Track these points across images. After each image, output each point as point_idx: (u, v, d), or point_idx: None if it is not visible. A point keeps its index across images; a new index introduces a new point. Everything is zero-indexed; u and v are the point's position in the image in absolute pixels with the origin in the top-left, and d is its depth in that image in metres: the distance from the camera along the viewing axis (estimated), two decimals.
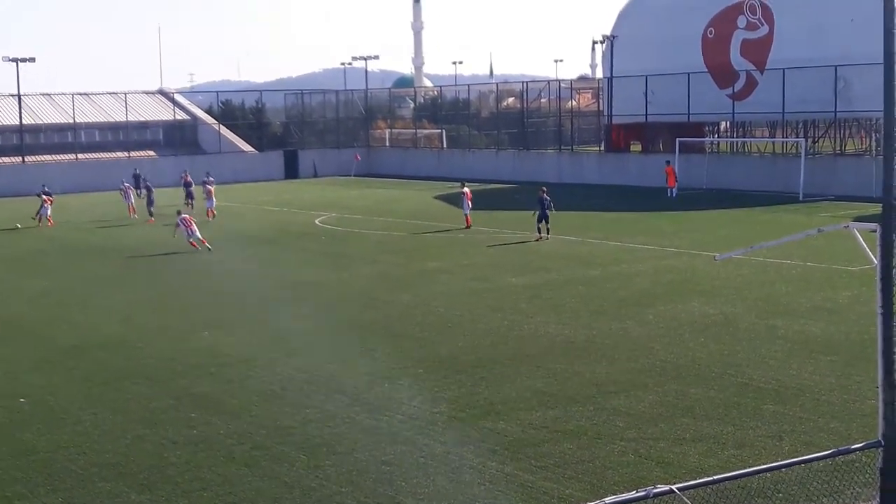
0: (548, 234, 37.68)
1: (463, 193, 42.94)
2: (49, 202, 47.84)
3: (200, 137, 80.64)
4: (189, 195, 53.91)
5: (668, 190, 53.26)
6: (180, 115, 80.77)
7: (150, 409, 17.66)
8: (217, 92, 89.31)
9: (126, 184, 54.67)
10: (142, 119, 78.85)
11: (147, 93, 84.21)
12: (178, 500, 13.50)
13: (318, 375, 19.52)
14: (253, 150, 79.93)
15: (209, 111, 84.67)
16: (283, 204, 55.99)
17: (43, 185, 52.09)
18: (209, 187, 50.20)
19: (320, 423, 16.55)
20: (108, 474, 14.54)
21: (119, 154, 75.13)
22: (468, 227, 41.56)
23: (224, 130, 79.30)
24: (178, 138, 78.34)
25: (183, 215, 38.82)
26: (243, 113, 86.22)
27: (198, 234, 37.37)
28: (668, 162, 54.93)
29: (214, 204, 49.41)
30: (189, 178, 56.12)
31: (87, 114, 78.01)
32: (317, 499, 13.40)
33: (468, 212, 42.30)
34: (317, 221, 46.92)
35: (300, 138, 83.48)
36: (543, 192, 38.49)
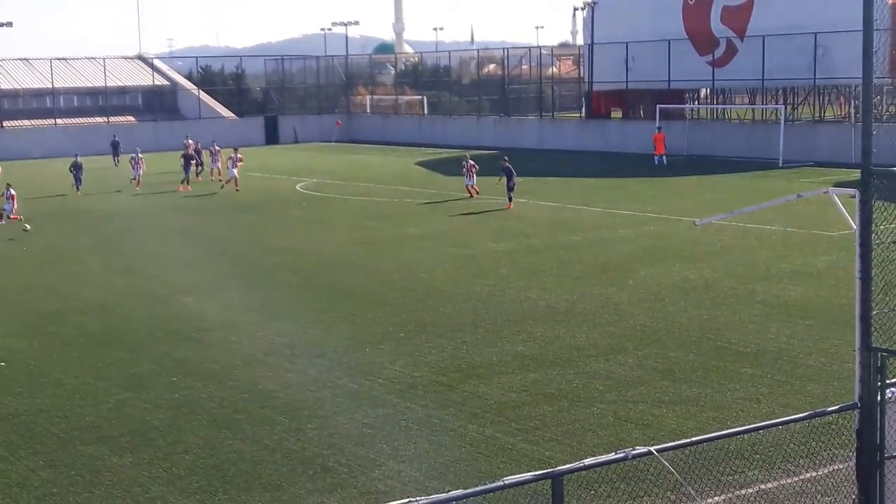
0: (510, 201, 37.62)
1: (464, 165, 41.23)
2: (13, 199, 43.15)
3: (180, 103, 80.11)
4: (198, 163, 51.65)
5: (657, 157, 52.91)
6: (159, 81, 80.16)
7: (131, 374, 17.67)
8: (196, 57, 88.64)
9: (139, 156, 51.21)
10: (121, 84, 78.23)
11: (126, 58, 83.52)
12: (160, 463, 13.54)
13: (300, 340, 19.56)
14: (233, 115, 79.47)
15: (189, 77, 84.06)
16: (263, 170, 55.76)
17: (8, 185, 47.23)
18: (238, 156, 46.89)
19: (302, 387, 16.60)
20: (89, 437, 14.56)
21: (98, 119, 74.58)
22: (471, 196, 40.35)
23: (204, 96, 78.77)
24: (157, 104, 77.77)
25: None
26: (223, 79, 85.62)
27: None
28: (658, 128, 54.69)
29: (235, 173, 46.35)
30: (197, 146, 53.76)
31: (66, 79, 77.32)
32: (298, 461, 13.47)
33: (471, 183, 40.68)
34: (297, 187, 46.80)
35: (281, 104, 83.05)
36: (506, 161, 38.62)
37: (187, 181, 47.86)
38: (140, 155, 49.96)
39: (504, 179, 37.90)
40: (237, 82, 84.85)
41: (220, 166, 49.81)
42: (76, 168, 46.79)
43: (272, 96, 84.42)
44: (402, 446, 13.87)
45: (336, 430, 14.55)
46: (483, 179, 41.23)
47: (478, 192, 40.19)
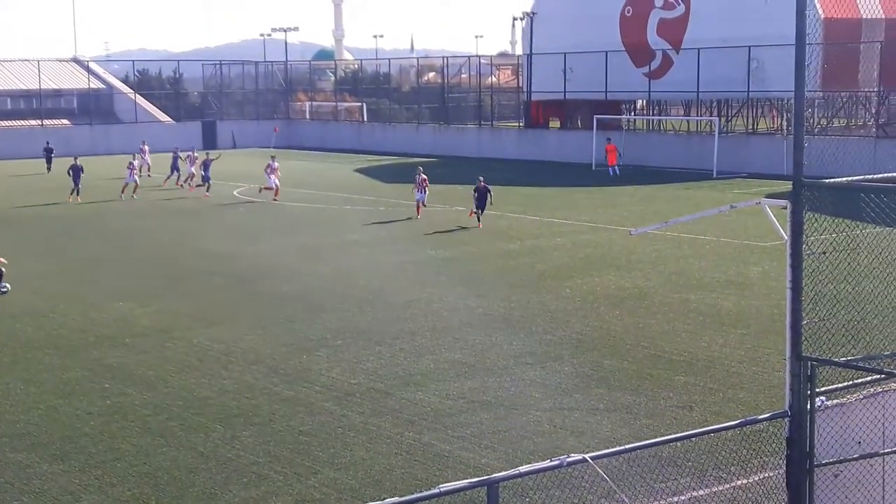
0: (478, 220, 35.00)
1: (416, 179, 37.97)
2: None
3: (116, 107, 79.07)
4: (176, 169, 50.30)
5: (610, 168, 52.66)
6: (95, 84, 79.06)
7: (63, 380, 17.40)
8: (133, 61, 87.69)
9: (143, 156, 53.51)
10: (55, 87, 77.03)
11: (61, 61, 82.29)
12: (92, 471, 13.35)
13: (236, 347, 19.41)
14: (170, 120, 78.66)
15: (125, 80, 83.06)
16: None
17: None
18: (275, 164, 44.53)
19: (237, 394, 16.48)
20: (19, 445, 14.30)
21: (32, 122, 73.37)
22: (418, 214, 37.15)
23: (140, 100, 77.89)
24: (93, 107, 76.65)
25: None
26: (160, 82, 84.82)
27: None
28: (608, 139, 54.68)
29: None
30: (193, 154, 50.64)
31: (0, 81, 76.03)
32: (233, 469, 13.36)
33: (422, 198, 37.69)
34: (235, 192, 46.43)
35: (219, 109, 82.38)
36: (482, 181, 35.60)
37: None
38: (145, 159, 53.79)
39: (476, 210, 35.15)
40: (175, 86, 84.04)
41: (194, 171, 48.56)
42: (75, 171, 44.55)
43: (210, 101, 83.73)
44: (339, 454, 13.83)
45: (272, 438, 14.46)
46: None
47: (425, 206, 37.60)
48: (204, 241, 32.60)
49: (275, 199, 42.66)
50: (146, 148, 56.75)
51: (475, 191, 35.51)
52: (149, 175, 53.34)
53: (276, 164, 44.74)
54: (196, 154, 50.68)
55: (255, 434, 14.62)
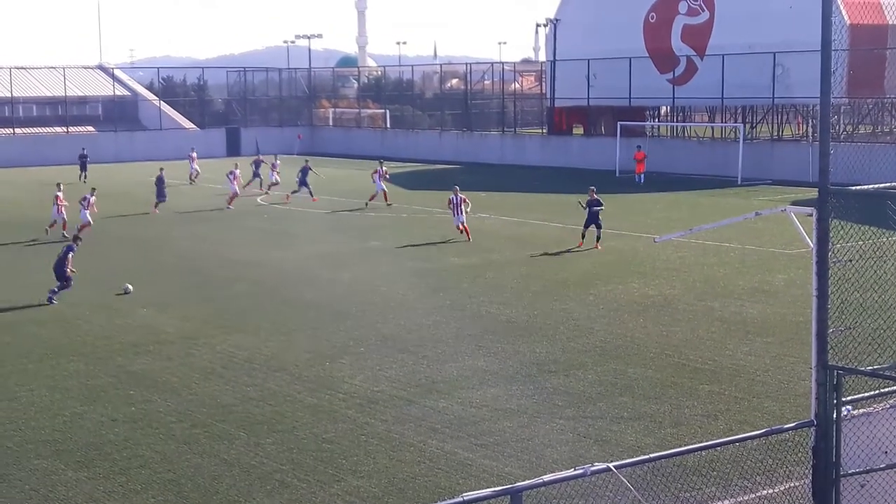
0: (597, 241, 31.05)
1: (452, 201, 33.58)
2: None
3: (141, 114, 79.52)
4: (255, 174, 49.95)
5: (637, 176, 51.98)
6: (120, 91, 79.54)
7: (87, 387, 17.48)
8: (158, 68, 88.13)
9: (191, 163, 54.88)
10: (81, 94, 77.55)
11: (86, 67, 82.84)
12: (116, 478, 13.40)
13: (259, 354, 19.45)
14: (194, 126, 79.01)
15: (150, 87, 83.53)
16: (224, 181, 55.36)
17: None
18: (384, 169, 44.53)
19: (261, 401, 16.51)
20: (44, 451, 14.38)
21: (58, 129, 73.87)
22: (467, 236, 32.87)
23: (165, 107, 78.30)
24: (117, 114, 77.08)
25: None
26: (185, 89, 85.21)
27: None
28: (638, 147, 53.88)
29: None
30: (276, 162, 50.40)
31: (25, 88, 76.49)
32: (256, 476, 13.38)
33: (461, 221, 33.10)
34: (259, 199, 46.58)
35: (242, 116, 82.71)
36: (593, 191, 32.02)
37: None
38: (193, 166, 54.55)
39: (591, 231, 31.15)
40: (199, 93, 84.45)
41: (276, 178, 48.37)
42: (160, 182, 43.21)
43: (234, 108, 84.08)
44: (362, 461, 13.82)
45: (295, 445, 14.48)
46: (473, 210, 41.06)
47: (464, 226, 32.84)
48: (227, 248, 32.71)
49: (388, 203, 43.14)
50: (195, 155, 57.39)
51: (586, 205, 31.20)
52: (194, 182, 54.04)
53: (385, 168, 45.36)
54: (278, 161, 50.29)
55: (278, 441, 14.64)
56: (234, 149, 77.94)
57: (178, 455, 14.18)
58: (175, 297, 25.07)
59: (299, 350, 19.65)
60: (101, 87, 79.44)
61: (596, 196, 31.45)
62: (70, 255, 25.26)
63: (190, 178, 54.91)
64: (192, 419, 15.67)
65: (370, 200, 43.11)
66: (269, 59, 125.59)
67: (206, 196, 48.37)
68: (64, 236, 32.66)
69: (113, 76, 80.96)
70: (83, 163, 57.66)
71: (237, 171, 45.19)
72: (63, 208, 35.14)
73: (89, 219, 35.35)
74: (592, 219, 31.08)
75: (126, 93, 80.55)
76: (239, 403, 16.41)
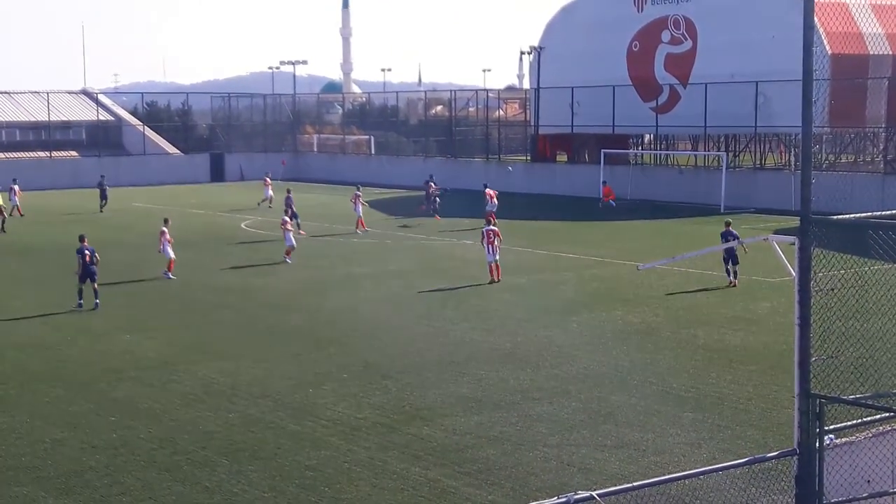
0: (734, 277, 29.06)
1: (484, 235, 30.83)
2: None
3: (125, 139, 79.43)
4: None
5: (608, 202, 53.22)
6: (104, 116, 79.43)
7: (68, 413, 17.37)
8: (142, 93, 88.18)
9: (266, 189, 54.71)
10: (64, 119, 77.41)
11: (70, 92, 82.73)
12: None
13: (242, 380, 19.37)
14: (178, 152, 78.96)
15: (134, 112, 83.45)
16: (208, 207, 55.41)
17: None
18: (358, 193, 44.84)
19: (243, 428, 16.43)
20: (24, 478, 14.26)
21: (41, 154, 73.68)
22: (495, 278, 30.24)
23: (149, 132, 78.23)
24: (101, 139, 76.98)
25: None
26: (169, 115, 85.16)
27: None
28: (603, 182, 54.98)
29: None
30: (357, 193, 45.96)
31: (8, 112, 76.37)
32: None
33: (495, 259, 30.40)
34: (242, 225, 46.52)
35: (227, 141, 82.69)
36: (729, 224, 30.33)
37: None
38: (268, 192, 54.22)
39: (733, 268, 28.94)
40: (183, 119, 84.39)
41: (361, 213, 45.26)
42: (287, 201, 42.18)
43: (218, 133, 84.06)
44: (344, 489, 13.76)
45: (278, 473, 14.40)
46: (447, 221, 41.19)
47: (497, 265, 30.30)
48: (210, 274, 32.62)
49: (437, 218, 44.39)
50: (269, 180, 57.15)
51: (725, 236, 29.03)
52: (269, 206, 53.61)
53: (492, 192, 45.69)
54: (360, 192, 45.97)
55: (260, 469, 14.56)
56: (218, 174, 77.89)
57: (159, 482, 14.09)
58: (157, 322, 24.97)
59: (282, 377, 19.58)
60: (85, 112, 79.34)
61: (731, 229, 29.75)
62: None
63: (266, 202, 54.63)
64: (173, 446, 15.58)
65: (359, 227, 43.36)
66: (253, 85, 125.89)
67: (200, 223, 48.28)
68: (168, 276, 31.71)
69: (97, 101, 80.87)
70: (102, 191, 54.18)
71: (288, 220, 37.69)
72: (170, 245, 32.65)
73: (172, 254, 32.58)
74: (728, 253, 28.82)
75: (110, 118, 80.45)
76: (221, 430, 16.33)
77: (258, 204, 54.61)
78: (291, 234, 35.07)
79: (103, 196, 54.10)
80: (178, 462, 14.88)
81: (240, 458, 14.98)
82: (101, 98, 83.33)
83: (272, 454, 15.16)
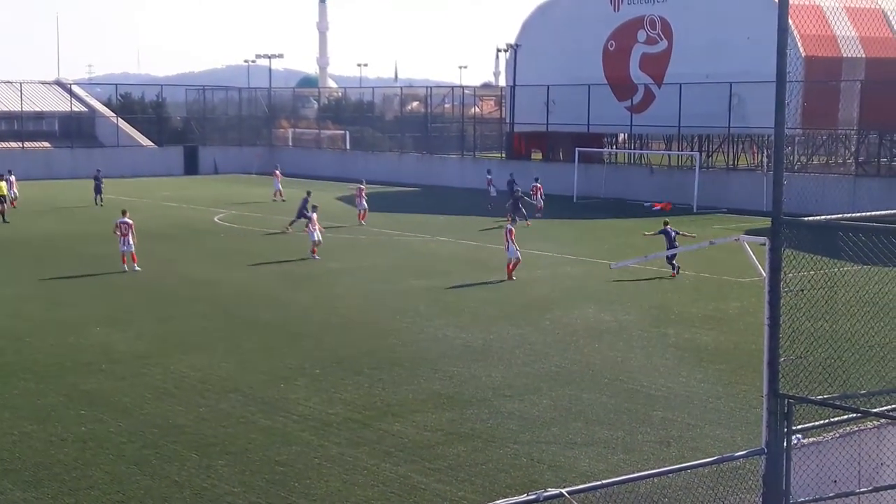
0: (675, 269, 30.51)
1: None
2: None
3: (98, 130, 78.88)
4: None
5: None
6: (78, 107, 78.83)
7: (38, 406, 17.26)
8: (116, 84, 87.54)
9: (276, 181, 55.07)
10: (37, 109, 76.79)
11: (44, 83, 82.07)
12: (65, 499, 13.23)
13: (213, 374, 19.31)
14: (152, 144, 78.52)
15: (108, 104, 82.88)
16: (181, 200, 55.14)
17: None
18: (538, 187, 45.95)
19: (214, 422, 16.38)
20: None
21: (13, 144, 73.06)
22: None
23: (122, 124, 77.74)
24: (74, 130, 76.42)
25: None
26: (143, 107, 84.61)
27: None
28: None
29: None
30: (361, 187, 46.44)
31: None
32: (208, 499, 13.27)
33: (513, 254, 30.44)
34: (216, 219, 46.34)
35: (201, 134, 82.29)
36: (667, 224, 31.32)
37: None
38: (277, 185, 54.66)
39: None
40: (157, 111, 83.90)
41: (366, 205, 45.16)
42: (303, 202, 40.61)
43: (193, 126, 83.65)
44: (315, 485, 13.75)
45: (248, 468, 14.37)
46: (421, 217, 41.08)
47: (518, 260, 30.31)
48: (184, 267, 32.49)
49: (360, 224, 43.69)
50: (279, 173, 57.45)
51: (660, 233, 30.71)
52: (283, 199, 53.61)
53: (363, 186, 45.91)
54: (364, 186, 46.62)
55: (230, 463, 14.53)
56: (191, 167, 77.51)
57: (128, 476, 14.03)
58: (129, 315, 24.85)
59: (254, 371, 19.54)
60: (59, 103, 78.72)
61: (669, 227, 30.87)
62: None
63: (277, 196, 54.76)
64: (143, 440, 15.52)
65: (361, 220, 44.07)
66: (229, 79, 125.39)
67: (174, 215, 48.04)
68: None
69: (70, 92, 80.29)
70: (98, 184, 52.46)
71: (313, 216, 35.70)
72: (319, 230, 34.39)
73: (319, 237, 34.34)
74: (669, 247, 29.90)
75: (83, 109, 79.86)
76: (191, 424, 16.28)
77: (272, 200, 54.35)
78: (317, 231, 34.44)
79: (98, 190, 52.42)
80: (147, 456, 14.82)
81: (210, 453, 14.94)
82: (75, 89, 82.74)
83: (242, 449, 15.13)
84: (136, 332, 22.85)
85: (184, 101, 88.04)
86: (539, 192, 47.49)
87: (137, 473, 14.13)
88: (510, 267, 30.26)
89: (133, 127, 79.49)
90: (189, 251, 36.35)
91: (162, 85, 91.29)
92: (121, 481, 13.84)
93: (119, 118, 77.85)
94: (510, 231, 30.51)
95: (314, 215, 35.06)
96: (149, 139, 79.17)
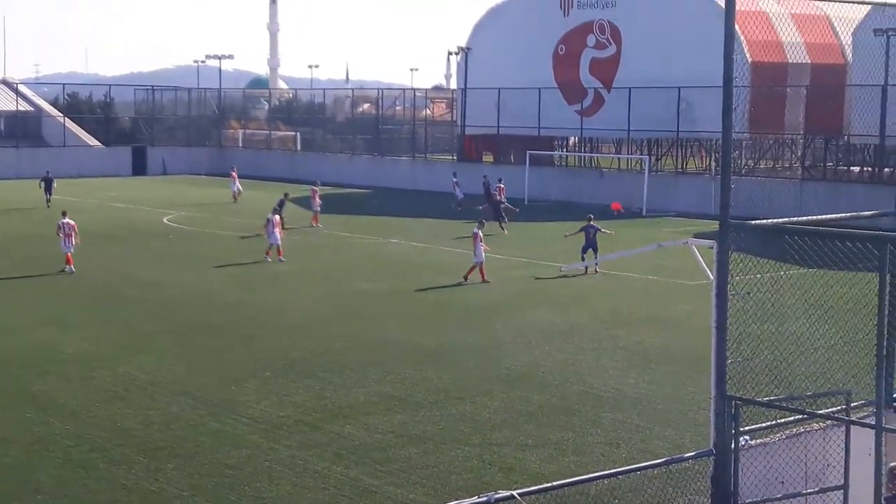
0: (595, 266, 31.14)
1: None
2: None
3: (44, 130, 77.77)
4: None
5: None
6: (24, 107, 77.68)
7: None
8: (63, 84, 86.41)
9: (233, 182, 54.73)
10: None
11: None
12: (10, 503, 13.04)
13: (162, 377, 19.14)
14: (100, 144, 77.59)
15: (54, 103, 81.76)
16: (130, 201, 54.54)
17: None
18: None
19: (163, 426, 16.24)
20: None
21: None
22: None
23: (69, 123, 76.73)
24: (20, 130, 75.29)
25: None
26: (90, 106, 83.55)
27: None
28: (499, 180, 54.55)
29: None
30: (315, 188, 46.20)
31: None
32: (156, 502, 13.15)
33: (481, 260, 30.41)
34: (165, 220, 45.90)
35: (150, 135, 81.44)
36: (591, 219, 32.76)
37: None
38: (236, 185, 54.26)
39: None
40: (105, 111, 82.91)
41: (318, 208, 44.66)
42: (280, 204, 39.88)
43: (141, 126, 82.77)
44: (265, 488, 13.68)
45: (197, 471, 14.27)
46: (372, 219, 40.89)
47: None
48: (131, 268, 32.14)
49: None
50: (235, 174, 57.01)
51: (587, 230, 31.95)
52: (235, 201, 53.48)
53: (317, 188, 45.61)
54: (318, 188, 46.39)
55: (179, 467, 14.41)
56: (140, 168, 76.69)
57: (75, 480, 13.87)
58: (77, 317, 24.55)
59: (203, 374, 19.39)
60: (4, 102, 77.49)
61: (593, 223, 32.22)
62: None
63: (236, 197, 54.36)
64: (90, 443, 15.35)
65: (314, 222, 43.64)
66: (179, 79, 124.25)
67: (118, 216, 47.52)
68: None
69: (16, 91, 79.04)
70: (48, 185, 51.25)
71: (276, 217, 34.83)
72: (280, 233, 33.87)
73: (278, 240, 33.70)
74: (591, 243, 31.64)
75: (29, 108, 78.70)
76: (140, 427, 16.13)
77: (234, 202, 53.85)
78: (277, 232, 33.80)
79: (48, 190, 51.25)
80: (94, 460, 14.66)
81: (158, 456, 14.81)
82: (21, 88, 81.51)
83: (192, 452, 15.02)
84: (84, 335, 22.58)
85: (132, 101, 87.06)
86: (503, 193, 47.66)
87: (85, 477, 13.97)
88: (478, 269, 30.22)
89: (80, 127, 78.52)
90: (137, 253, 35.96)
91: (110, 85, 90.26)
92: (68, 485, 13.68)
93: (66, 118, 76.83)
94: (477, 234, 30.58)
95: (277, 217, 34.61)
96: (96, 139, 78.23)
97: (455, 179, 54.50)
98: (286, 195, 43.37)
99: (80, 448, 15.14)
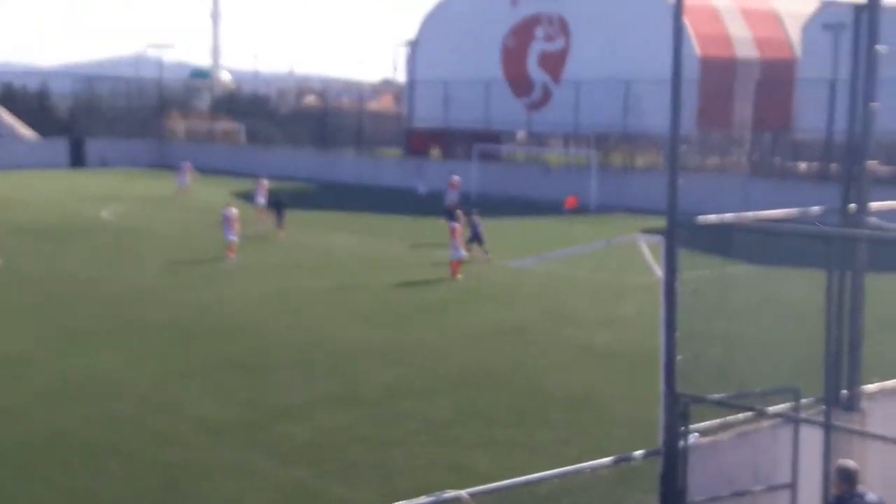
0: (486, 254, 32.74)
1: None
2: None
3: None
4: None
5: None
6: None
7: None
8: None
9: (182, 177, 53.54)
10: None
11: None
12: None
13: (101, 375, 18.73)
14: (35, 136, 76.16)
15: None
16: (66, 193, 53.60)
17: None
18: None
19: (102, 425, 15.88)
20: None
21: None
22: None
23: (3, 113, 75.22)
24: None
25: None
26: (25, 97, 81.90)
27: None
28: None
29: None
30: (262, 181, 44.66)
31: None
32: None
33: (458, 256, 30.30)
34: (103, 213, 45.09)
35: (88, 126, 80.00)
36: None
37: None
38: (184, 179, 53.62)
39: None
40: (41, 101, 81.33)
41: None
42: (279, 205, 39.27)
43: (78, 117, 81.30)
44: (208, 488, 13.40)
45: (138, 472, 13.95)
46: (318, 214, 40.51)
47: (460, 262, 30.35)
48: (67, 264, 31.51)
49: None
50: (187, 168, 56.41)
51: (473, 227, 33.37)
52: (181, 194, 52.60)
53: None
54: (266, 182, 44.12)
55: (120, 468, 14.08)
56: (77, 160, 75.37)
57: (11, 482, 13.49)
58: (10, 314, 23.98)
59: (143, 372, 19.00)
60: None
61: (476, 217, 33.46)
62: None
63: (181, 192, 53.41)
64: (26, 445, 14.94)
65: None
66: (118, 69, 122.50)
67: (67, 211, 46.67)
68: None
69: None
70: None
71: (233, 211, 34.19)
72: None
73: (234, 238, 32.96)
74: (474, 235, 32.95)
75: None
76: (79, 427, 15.75)
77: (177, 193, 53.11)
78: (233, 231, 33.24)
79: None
80: (32, 461, 14.27)
81: (99, 456, 14.46)
82: None
83: (132, 453, 14.68)
84: (16, 333, 22.04)
85: (70, 91, 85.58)
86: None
87: (22, 479, 13.59)
88: (455, 265, 30.10)
89: (15, 117, 76.99)
90: (73, 248, 35.22)
91: (46, 74, 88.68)
92: (4, 487, 13.31)
93: None
94: (454, 229, 30.55)
95: (234, 211, 34.07)
96: (32, 130, 76.80)
97: (418, 175, 53.56)
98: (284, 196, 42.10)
99: (17, 450, 14.74)
